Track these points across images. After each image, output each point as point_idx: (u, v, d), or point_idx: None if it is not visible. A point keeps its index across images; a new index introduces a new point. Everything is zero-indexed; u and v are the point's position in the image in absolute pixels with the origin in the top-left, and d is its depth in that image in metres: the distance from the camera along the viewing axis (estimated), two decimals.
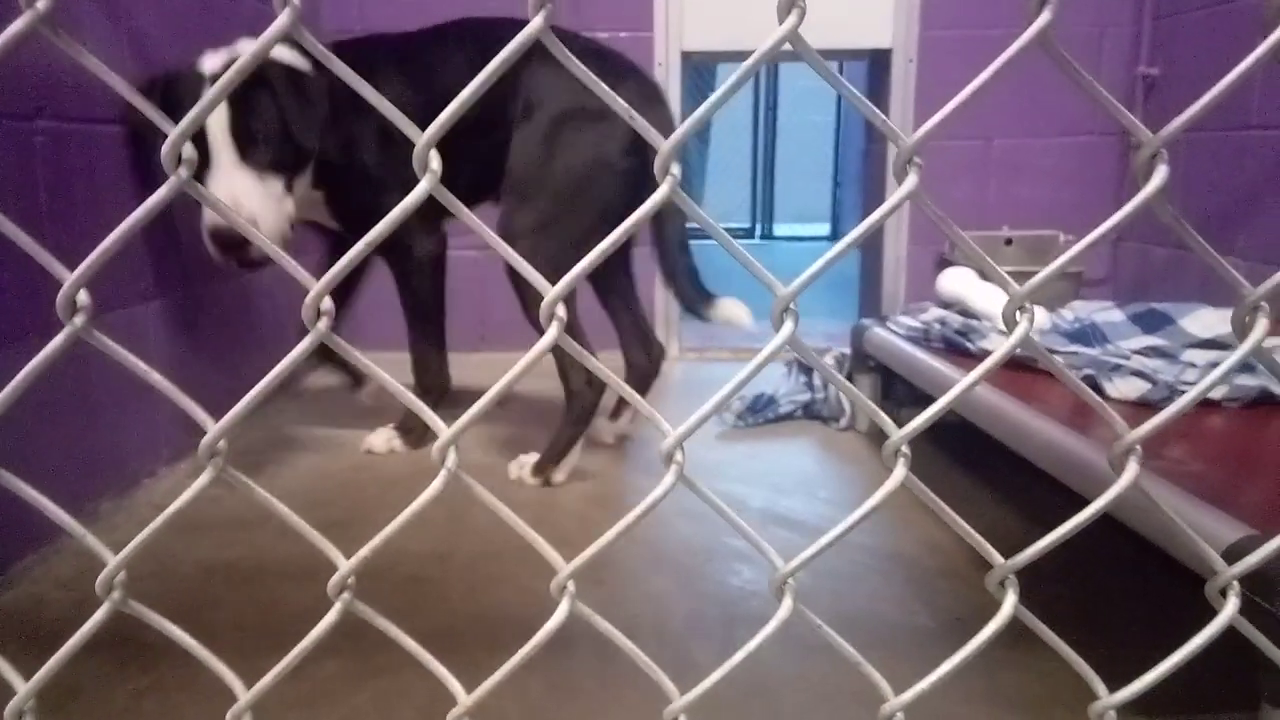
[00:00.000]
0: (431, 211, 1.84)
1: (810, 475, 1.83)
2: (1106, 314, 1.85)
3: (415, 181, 0.42)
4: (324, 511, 1.63)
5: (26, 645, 1.18)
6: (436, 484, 0.43)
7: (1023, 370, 1.57)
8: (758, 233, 7.08)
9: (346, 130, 1.78)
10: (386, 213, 0.43)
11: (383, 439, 1.96)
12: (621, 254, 2.00)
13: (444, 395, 1.99)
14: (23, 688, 0.44)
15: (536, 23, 0.38)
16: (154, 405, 1.76)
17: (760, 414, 2.15)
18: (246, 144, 1.57)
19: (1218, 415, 1.37)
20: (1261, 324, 0.44)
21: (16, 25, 0.38)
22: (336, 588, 0.44)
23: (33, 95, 1.44)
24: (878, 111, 0.46)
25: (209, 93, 0.40)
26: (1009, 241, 2.71)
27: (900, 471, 0.44)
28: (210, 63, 1.61)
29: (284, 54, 1.66)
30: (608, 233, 0.43)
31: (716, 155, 7.25)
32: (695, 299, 1.86)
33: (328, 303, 0.41)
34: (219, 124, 1.54)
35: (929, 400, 0.47)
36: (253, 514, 1.57)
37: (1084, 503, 0.48)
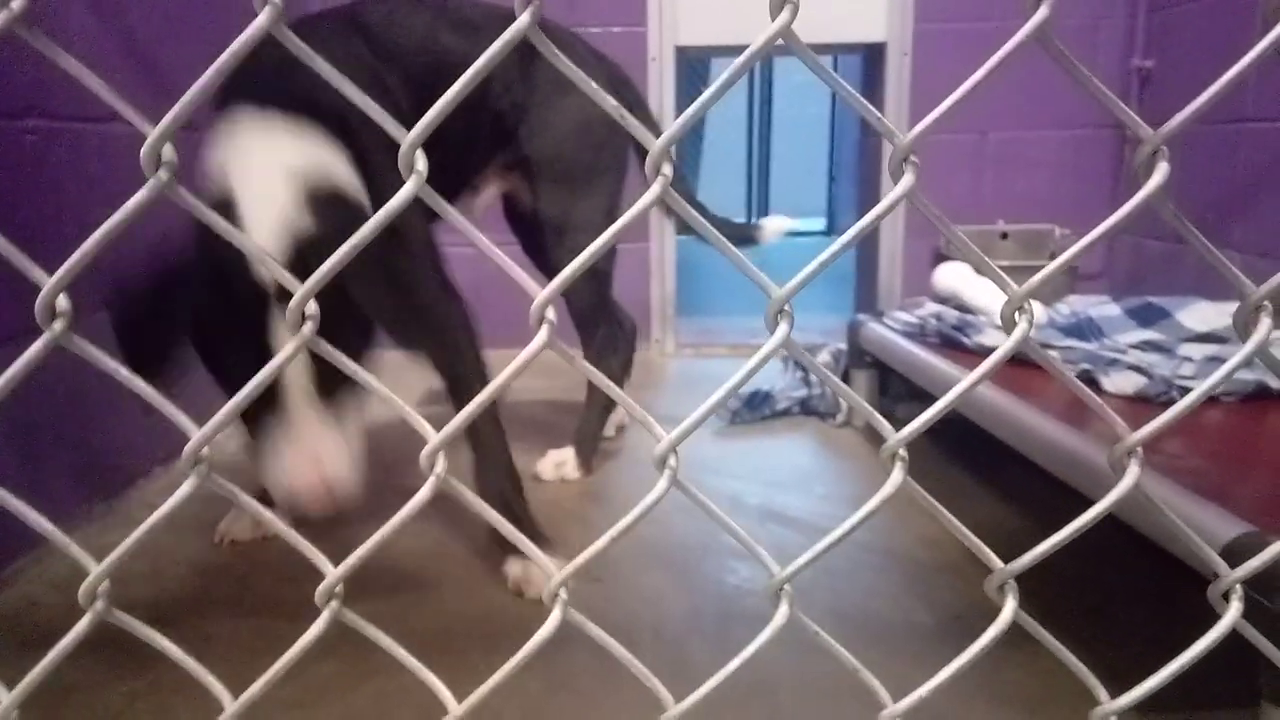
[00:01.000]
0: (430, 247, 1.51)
1: (807, 471, 1.83)
2: (1102, 308, 1.85)
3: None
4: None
5: (19, 647, 1.17)
6: (425, 492, 0.42)
7: (1022, 366, 1.55)
8: None
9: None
10: None
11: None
12: None
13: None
14: (6, 697, 0.43)
15: (524, 19, 0.37)
16: (148, 406, 1.75)
17: (757, 410, 2.15)
18: (321, 368, 1.07)
19: (1215, 410, 1.36)
20: (1264, 323, 0.44)
21: None
22: (325, 596, 0.43)
23: (22, 94, 1.42)
24: (872, 108, 0.45)
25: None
26: (1004, 235, 2.70)
27: (898, 475, 0.44)
28: (257, 232, 1.06)
29: (338, 171, 1.17)
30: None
31: (711, 150, 7.22)
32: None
33: (312, 307, 0.40)
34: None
35: (926, 396, 0.47)
36: (246, 515, 1.56)
37: (1084, 498, 0.48)
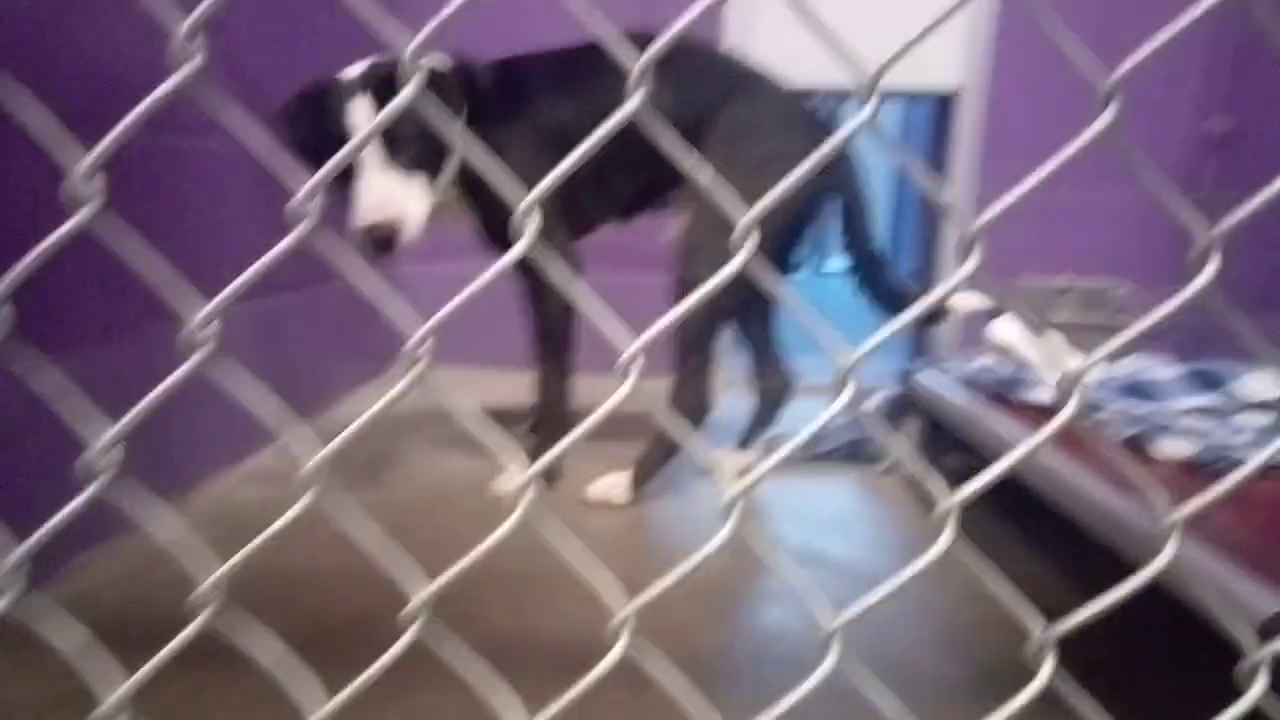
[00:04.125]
0: (570, 229, 1.91)
1: (849, 516, 1.83)
2: (1159, 371, 1.84)
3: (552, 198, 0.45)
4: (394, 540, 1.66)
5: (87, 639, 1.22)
6: (516, 516, 0.46)
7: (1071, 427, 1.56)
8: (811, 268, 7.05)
9: (493, 133, 1.76)
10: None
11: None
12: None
13: (564, 429, 1.84)
14: (112, 696, 0.47)
15: (634, 103, 0.42)
16: (206, 411, 1.81)
17: (806, 448, 2.16)
18: (391, 145, 1.66)
19: (1269, 482, 1.34)
20: None
21: (177, 78, 0.42)
22: (410, 617, 0.47)
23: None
24: (943, 188, 0.48)
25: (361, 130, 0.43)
26: (1065, 292, 2.69)
27: (949, 535, 0.47)
28: (350, 71, 1.70)
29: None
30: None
31: None
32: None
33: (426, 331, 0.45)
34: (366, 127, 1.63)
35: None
36: (305, 521, 1.60)
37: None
